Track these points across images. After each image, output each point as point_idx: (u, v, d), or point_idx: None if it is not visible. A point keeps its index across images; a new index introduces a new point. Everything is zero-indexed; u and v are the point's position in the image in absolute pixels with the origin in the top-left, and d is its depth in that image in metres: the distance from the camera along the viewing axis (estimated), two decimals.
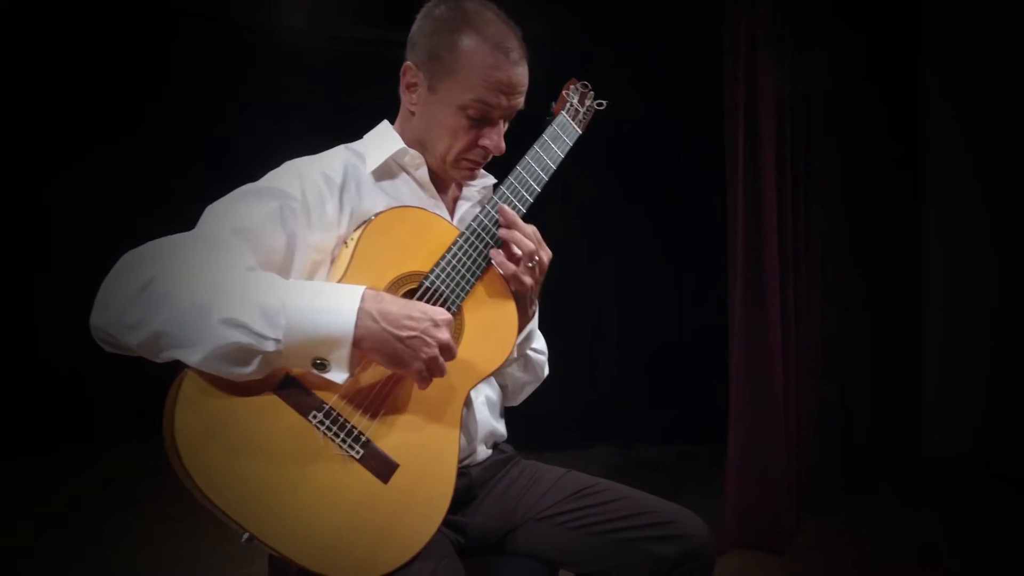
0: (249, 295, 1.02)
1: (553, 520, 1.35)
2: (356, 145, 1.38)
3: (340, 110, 3.83)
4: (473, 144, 1.31)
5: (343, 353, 1.04)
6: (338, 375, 1.05)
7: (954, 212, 3.90)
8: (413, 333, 1.07)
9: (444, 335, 1.10)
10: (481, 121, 1.29)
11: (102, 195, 3.79)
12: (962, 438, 3.82)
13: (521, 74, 1.29)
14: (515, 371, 1.50)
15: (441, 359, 1.11)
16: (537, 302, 1.39)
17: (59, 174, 3.74)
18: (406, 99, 1.35)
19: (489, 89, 1.25)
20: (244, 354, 1.00)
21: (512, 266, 1.26)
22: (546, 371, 1.56)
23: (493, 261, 1.26)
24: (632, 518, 1.31)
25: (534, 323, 1.47)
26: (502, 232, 1.26)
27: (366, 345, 1.06)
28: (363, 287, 1.08)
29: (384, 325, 1.06)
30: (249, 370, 1.01)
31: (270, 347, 1.01)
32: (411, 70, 1.31)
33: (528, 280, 1.27)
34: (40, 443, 3.76)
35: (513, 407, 1.57)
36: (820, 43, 3.10)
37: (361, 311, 1.05)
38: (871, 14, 3.49)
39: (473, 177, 1.38)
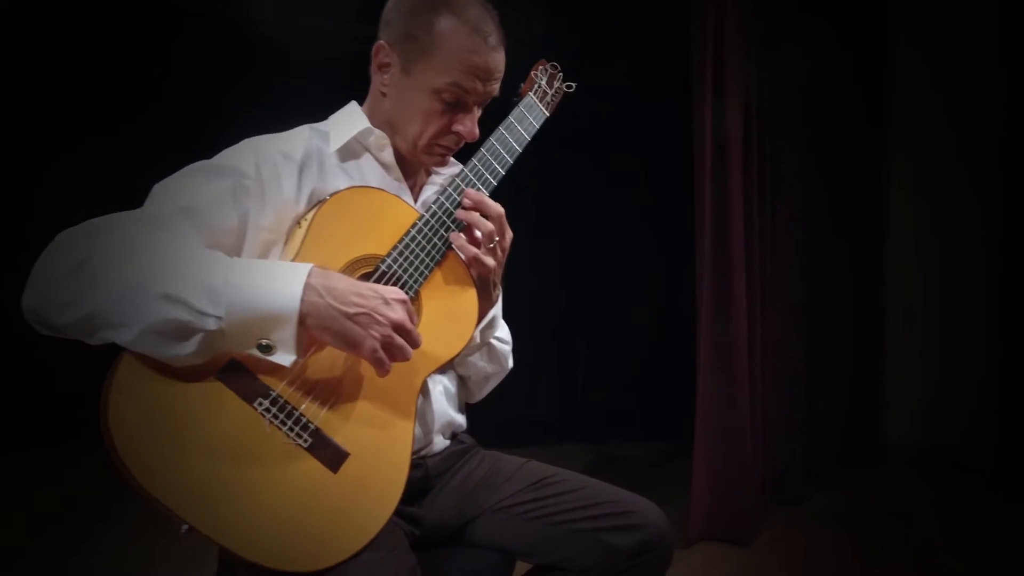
0: (190, 272, 0.98)
1: (511, 511, 1.33)
2: (321, 125, 1.33)
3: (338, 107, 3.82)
4: (446, 130, 1.26)
5: (288, 333, 0.99)
6: (285, 357, 1.00)
7: (918, 207, 3.92)
8: (361, 310, 1.02)
9: (396, 314, 1.05)
10: (455, 106, 1.24)
11: (98, 191, 3.70)
12: (924, 430, 3.85)
13: (498, 60, 1.25)
14: (477, 361, 1.45)
15: (400, 340, 1.06)
16: (500, 287, 1.34)
17: (55, 170, 3.65)
18: (377, 80, 1.30)
19: (465, 74, 1.21)
20: (183, 332, 0.95)
21: (473, 249, 1.21)
22: (510, 363, 1.52)
23: (453, 244, 1.21)
24: (589, 508, 1.29)
25: (497, 309, 1.43)
26: (460, 213, 1.22)
27: (312, 323, 1.01)
28: (310, 264, 1.03)
29: (330, 301, 1.01)
30: (189, 350, 0.96)
31: (211, 325, 0.96)
32: (384, 49, 1.26)
33: (489, 262, 1.22)
34: (34, 439, 3.68)
35: (486, 402, 1.52)
36: (789, 37, 3.11)
37: (307, 287, 1.00)
38: (840, 8, 3.50)
39: (444, 163, 1.33)
